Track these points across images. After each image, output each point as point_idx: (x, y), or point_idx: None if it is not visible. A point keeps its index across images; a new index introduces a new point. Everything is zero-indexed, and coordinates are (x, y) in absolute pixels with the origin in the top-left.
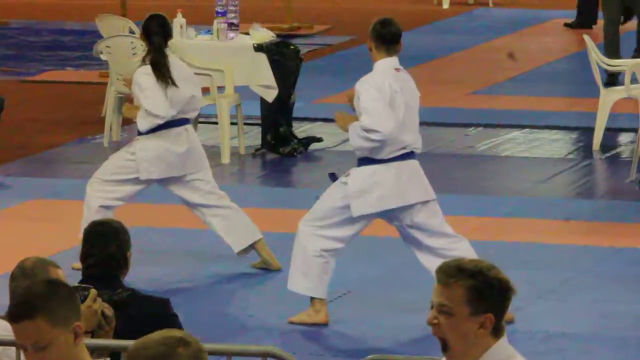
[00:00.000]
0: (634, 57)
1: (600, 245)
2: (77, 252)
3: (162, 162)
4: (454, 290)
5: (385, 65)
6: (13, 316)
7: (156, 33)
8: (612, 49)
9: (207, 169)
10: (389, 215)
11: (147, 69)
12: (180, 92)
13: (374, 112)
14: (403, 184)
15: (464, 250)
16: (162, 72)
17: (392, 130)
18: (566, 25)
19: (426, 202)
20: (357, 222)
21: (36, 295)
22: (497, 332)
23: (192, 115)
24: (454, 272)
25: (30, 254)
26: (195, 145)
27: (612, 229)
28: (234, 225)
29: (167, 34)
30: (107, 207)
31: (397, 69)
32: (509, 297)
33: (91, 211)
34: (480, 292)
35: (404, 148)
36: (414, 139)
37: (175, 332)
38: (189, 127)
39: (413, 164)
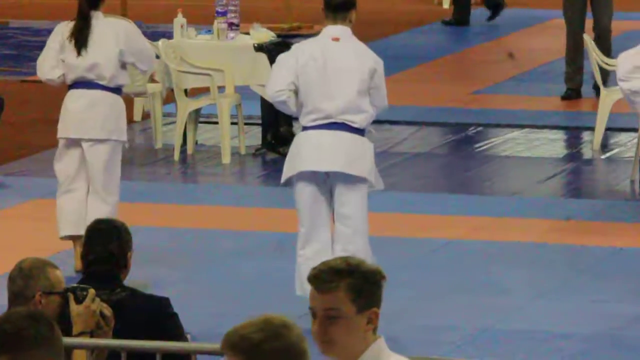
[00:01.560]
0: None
1: (600, 245)
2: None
3: (62, 121)
4: (337, 293)
5: (323, 33)
6: None
7: None
8: (574, 56)
9: (112, 144)
10: (326, 187)
11: (62, 27)
12: (83, 58)
13: (272, 72)
14: (321, 151)
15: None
16: (73, 36)
17: (277, 93)
18: (444, 22)
19: (350, 179)
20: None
21: (6, 334)
22: (375, 328)
23: (105, 82)
24: (330, 276)
25: (30, 254)
26: (101, 112)
27: (612, 229)
28: (72, 210)
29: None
30: (67, 191)
31: (335, 38)
32: (382, 286)
33: (59, 204)
34: (361, 289)
35: (327, 117)
36: (340, 110)
37: (274, 317)
38: (102, 93)
39: (343, 135)
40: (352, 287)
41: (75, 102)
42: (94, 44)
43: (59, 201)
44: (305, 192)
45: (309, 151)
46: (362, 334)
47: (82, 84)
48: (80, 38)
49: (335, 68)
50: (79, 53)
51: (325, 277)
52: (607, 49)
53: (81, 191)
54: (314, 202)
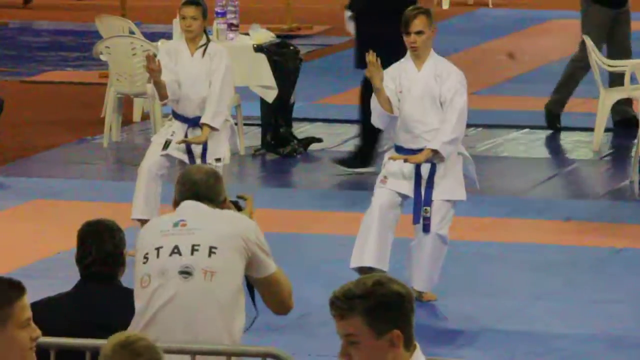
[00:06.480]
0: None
1: (599, 246)
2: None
3: None
4: (352, 319)
5: None
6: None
7: None
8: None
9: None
10: None
11: None
12: None
13: None
14: None
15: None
16: None
17: None
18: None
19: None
20: None
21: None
22: (409, 346)
23: None
24: (344, 303)
25: (30, 254)
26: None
27: (611, 230)
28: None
29: None
30: None
31: None
32: (407, 306)
33: None
34: (377, 312)
35: None
36: None
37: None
38: None
39: None
40: (366, 311)
41: None
42: None
43: None
44: None
45: None
46: (389, 357)
47: None
48: None
49: None
50: None
51: (340, 303)
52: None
53: None
54: None
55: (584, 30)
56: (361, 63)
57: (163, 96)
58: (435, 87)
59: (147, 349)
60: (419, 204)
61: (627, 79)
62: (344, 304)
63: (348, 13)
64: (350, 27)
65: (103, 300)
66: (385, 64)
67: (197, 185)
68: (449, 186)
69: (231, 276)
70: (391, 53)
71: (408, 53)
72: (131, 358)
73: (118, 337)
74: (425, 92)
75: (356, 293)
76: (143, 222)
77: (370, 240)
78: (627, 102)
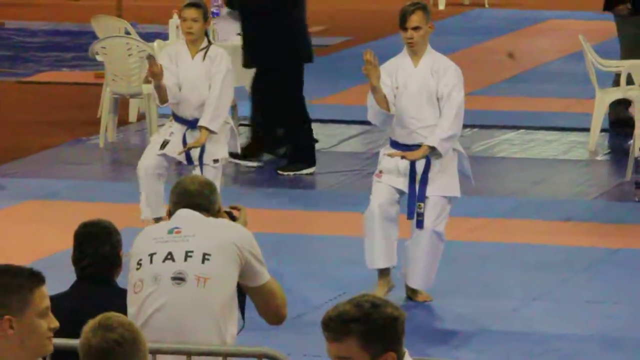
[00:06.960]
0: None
1: (596, 246)
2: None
3: None
4: (347, 342)
5: None
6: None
7: None
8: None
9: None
10: None
11: None
12: None
13: None
14: None
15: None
16: None
17: None
18: None
19: None
20: None
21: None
22: None
23: None
24: (339, 326)
25: (26, 255)
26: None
27: (608, 230)
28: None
29: None
30: None
31: None
32: (400, 329)
33: None
34: (372, 336)
35: None
36: None
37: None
38: None
39: None
40: (362, 335)
41: None
42: None
43: None
44: None
45: None
46: None
47: None
48: None
49: None
50: None
51: (335, 326)
52: None
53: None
54: None
55: (620, 34)
56: (247, 63)
57: (163, 100)
58: (432, 82)
59: (120, 325)
60: (413, 200)
61: (622, 79)
62: (340, 327)
63: (226, 10)
64: (225, 25)
65: (99, 301)
66: (272, 63)
67: (192, 196)
68: (444, 182)
69: (224, 283)
70: (277, 52)
71: (405, 49)
72: (104, 334)
73: (98, 317)
74: (422, 88)
75: (352, 316)
76: (155, 220)
77: (376, 241)
78: (624, 102)
